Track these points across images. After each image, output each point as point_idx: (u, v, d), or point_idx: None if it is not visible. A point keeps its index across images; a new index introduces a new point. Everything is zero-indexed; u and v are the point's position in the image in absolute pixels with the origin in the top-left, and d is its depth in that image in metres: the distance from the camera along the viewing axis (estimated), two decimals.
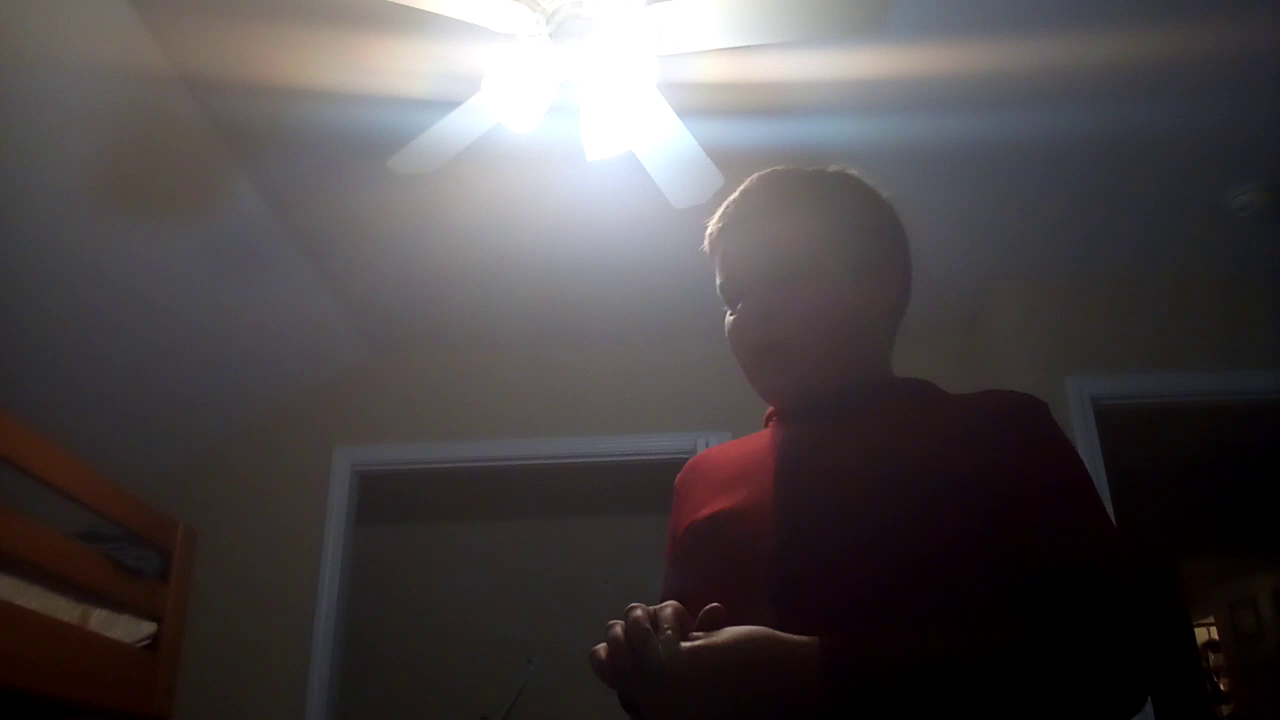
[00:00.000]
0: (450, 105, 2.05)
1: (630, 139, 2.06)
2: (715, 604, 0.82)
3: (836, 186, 1.10)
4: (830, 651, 0.77)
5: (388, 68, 2.27)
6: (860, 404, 1.02)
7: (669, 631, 0.78)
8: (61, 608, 2.49)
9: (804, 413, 1.04)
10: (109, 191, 2.49)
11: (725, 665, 0.76)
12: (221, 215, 2.77)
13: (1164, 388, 3.17)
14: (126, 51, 2.20)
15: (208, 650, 3.19)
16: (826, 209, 1.07)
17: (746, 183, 1.10)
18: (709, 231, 1.11)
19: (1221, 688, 6.11)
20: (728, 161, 2.22)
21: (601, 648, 0.81)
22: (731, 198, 1.10)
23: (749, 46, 2.03)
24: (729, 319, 1.07)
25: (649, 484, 3.94)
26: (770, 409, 1.11)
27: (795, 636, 0.78)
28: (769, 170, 1.11)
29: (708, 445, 3.40)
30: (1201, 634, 6.13)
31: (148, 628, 2.89)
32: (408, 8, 1.77)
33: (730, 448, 1.13)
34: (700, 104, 2.31)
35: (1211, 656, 6.28)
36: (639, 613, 0.80)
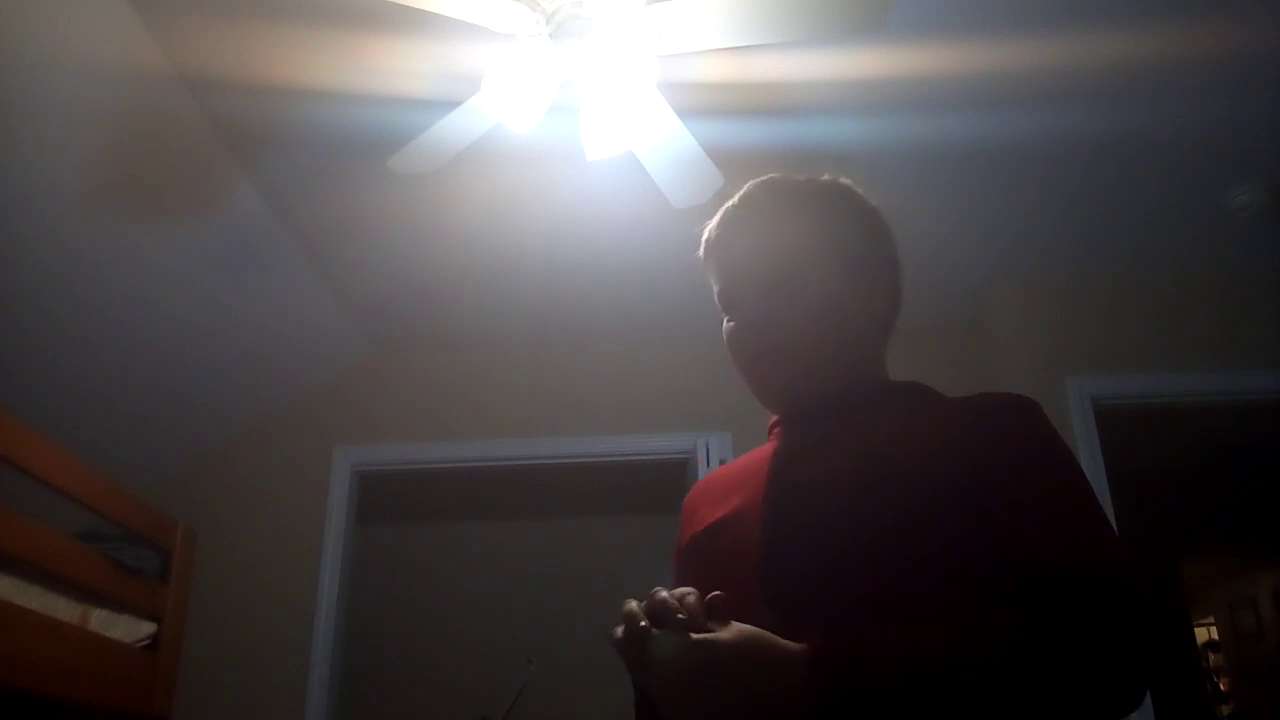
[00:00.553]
0: (450, 105, 2.05)
1: (630, 139, 2.06)
2: (718, 592, 0.82)
3: (828, 194, 1.12)
4: (817, 653, 0.78)
5: (388, 68, 2.27)
6: (856, 407, 1.03)
7: (680, 618, 0.79)
8: (61, 608, 2.48)
9: (802, 418, 1.06)
10: (109, 191, 2.49)
11: (722, 662, 0.77)
12: (221, 215, 2.77)
13: (1164, 388, 3.17)
14: (126, 51, 2.20)
15: (208, 650, 3.18)
16: (818, 216, 1.08)
17: (740, 191, 1.12)
18: (704, 239, 1.12)
19: (1221, 688, 6.11)
20: (728, 161, 2.22)
21: (620, 629, 0.83)
22: (725, 205, 1.12)
23: (749, 46, 2.03)
24: (726, 326, 1.09)
25: (649, 484, 3.95)
26: (773, 421, 1.13)
27: (786, 641, 0.79)
28: (762, 179, 1.12)
29: (708, 445, 3.42)
30: (1201, 634, 6.13)
31: (148, 628, 2.89)
32: (408, 8, 1.77)
33: (733, 464, 1.15)
34: (700, 104, 2.31)
35: (1211, 656, 6.28)
36: (659, 597, 0.81)
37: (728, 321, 1.09)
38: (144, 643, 2.87)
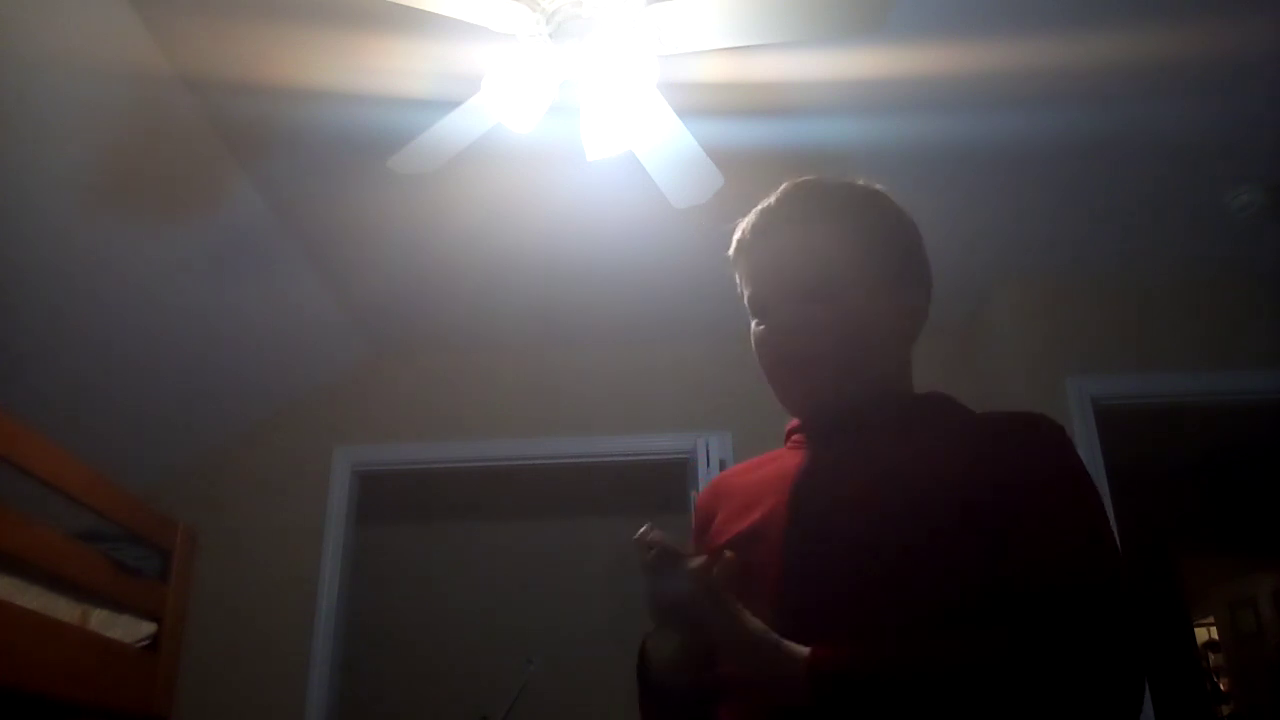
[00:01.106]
0: (450, 105, 2.05)
1: (630, 139, 2.06)
2: (731, 553, 0.91)
3: (867, 202, 1.09)
4: (817, 654, 0.85)
5: (388, 68, 2.27)
6: (881, 421, 1.03)
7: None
8: (61, 608, 2.49)
9: (825, 430, 1.05)
10: (109, 192, 2.49)
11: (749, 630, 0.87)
12: (222, 215, 2.77)
13: (1164, 388, 3.17)
14: (126, 51, 2.20)
15: (208, 650, 3.18)
16: (858, 225, 1.06)
17: (776, 192, 1.09)
18: (736, 239, 1.10)
19: (1221, 688, 6.10)
20: (728, 161, 2.22)
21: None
22: (761, 206, 1.09)
23: (749, 46, 2.03)
24: (756, 329, 1.07)
25: (649, 484, 3.95)
26: (792, 425, 1.12)
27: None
28: (799, 181, 1.10)
29: (708, 445, 3.42)
30: (1201, 634, 6.13)
31: (148, 628, 2.89)
32: (408, 8, 1.77)
33: (751, 468, 1.13)
34: (700, 104, 2.31)
35: (1211, 656, 6.28)
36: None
37: (758, 325, 1.07)
38: (144, 643, 2.87)
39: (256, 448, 3.55)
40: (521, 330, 3.56)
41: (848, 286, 1.03)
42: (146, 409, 3.17)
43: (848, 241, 1.05)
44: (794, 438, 1.10)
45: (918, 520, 0.90)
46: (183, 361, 3.12)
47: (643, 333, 3.58)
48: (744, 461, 1.17)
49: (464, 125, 2.07)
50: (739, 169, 2.21)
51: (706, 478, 3.25)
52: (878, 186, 1.12)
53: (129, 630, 2.80)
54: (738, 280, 1.12)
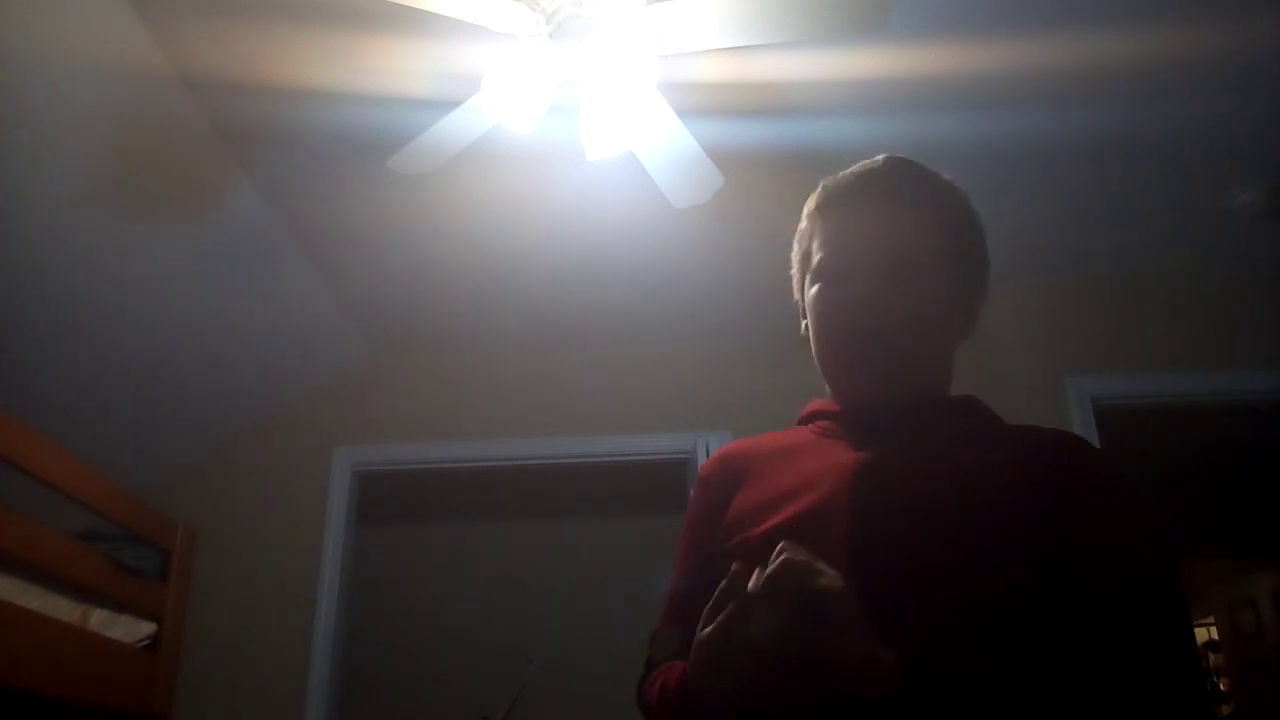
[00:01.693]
0: (450, 105, 2.05)
1: (630, 139, 2.06)
2: (739, 565, 0.82)
3: (959, 194, 1.09)
4: (903, 655, 0.80)
5: (388, 68, 2.27)
6: (934, 420, 1.01)
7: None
8: (61, 608, 2.48)
9: (875, 424, 1.00)
10: (109, 192, 2.49)
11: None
12: (222, 215, 2.77)
13: (1164, 388, 3.17)
14: (126, 52, 2.20)
15: (208, 650, 3.18)
16: (951, 214, 1.07)
17: (872, 162, 1.07)
18: (819, 197, 1.07)
19: (1221, 688, 6.11)
20: (728, 161, 2.22)
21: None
22: (852, 170, 1.07)
23: (749, 46, 2.03)
24: (822, 292, 1.03)
25: (649, 484, 3.95)
26: (814, 409, 1.08)
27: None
28: (896, 156, 1.09)
29: (708, 445, 3.41)
30: (1201, 634, 6.14)
31: (148, 628, 2.89)
32: (408, 8, 1.77)
33: (768, 449, 1.07)
34: (700, 104, 2.31)
35: (1211, 656, 6.29)
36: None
37: (828, 291, 1.02)
38: (144, 643, 2.87)
39: (256, 448, 3.55)
40: (521, 330, 3.56)
41: (934, 274, 1.01)
42: (147, 409, 3.17)
43: (939, 228, 1.04)
44: (822, 424, 1.05)
45: (991, 526, 0.89)
46: (183, 361, 3.12)
47: (643, 333, 3.58)
48: (748, 437, 1.12)
49: (464, 125, 2.07)
50: (739, 169, 2.21)
51: None
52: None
53: (129, 630, 2.80)
54: (803, 239, 1.07)
